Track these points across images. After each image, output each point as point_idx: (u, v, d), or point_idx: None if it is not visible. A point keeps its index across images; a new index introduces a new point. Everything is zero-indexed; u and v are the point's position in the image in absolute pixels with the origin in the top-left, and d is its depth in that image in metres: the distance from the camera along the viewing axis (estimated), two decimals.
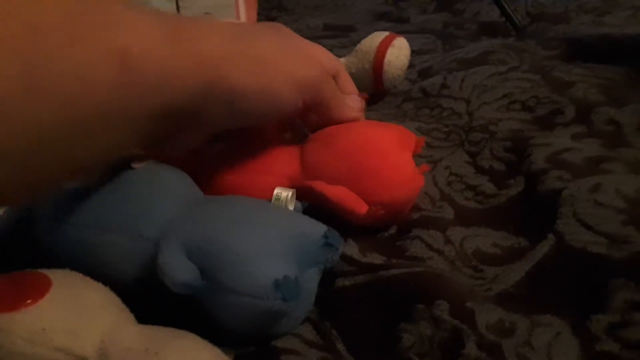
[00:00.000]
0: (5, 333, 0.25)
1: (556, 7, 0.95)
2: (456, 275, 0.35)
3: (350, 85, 0.45)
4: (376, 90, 0.63)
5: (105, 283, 0.30)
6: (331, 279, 0.35)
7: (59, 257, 0.32)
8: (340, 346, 0.32)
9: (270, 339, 0.32)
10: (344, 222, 0.38)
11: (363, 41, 0.62)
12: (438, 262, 0.36)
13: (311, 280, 0.33)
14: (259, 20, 1.02)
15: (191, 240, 0.31)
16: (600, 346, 0.29)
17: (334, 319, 0.33)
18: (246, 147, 0.41)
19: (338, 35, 0.95)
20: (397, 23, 1.04)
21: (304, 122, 0.45)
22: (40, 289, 0.27)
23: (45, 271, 0.28)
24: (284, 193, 0.38)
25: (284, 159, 0.41)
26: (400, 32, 0.63)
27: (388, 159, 0.39)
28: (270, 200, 0.37)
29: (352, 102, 0.44)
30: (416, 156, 0.41)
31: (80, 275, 0.30)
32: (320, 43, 0.68)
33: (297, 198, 0.39)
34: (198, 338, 0.27)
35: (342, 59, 0.64)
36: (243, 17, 0.90)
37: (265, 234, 0.32)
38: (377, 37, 0.61)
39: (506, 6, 0.87)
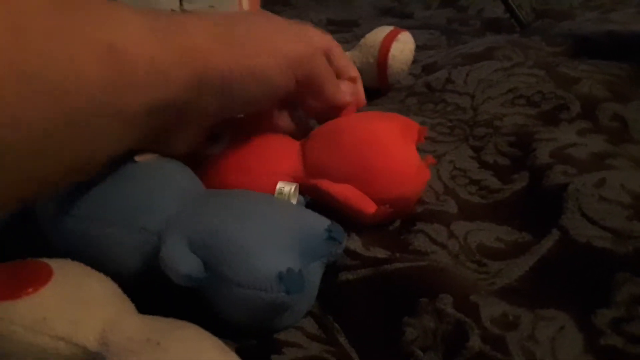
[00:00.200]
0: (6, 321, 0.25)
1: (561, 4, 0.94)
2: (460, 269, 0.35)
3: (344, 59, 0.45)
4: (380, 85, 0.62)
5: (107, 275, 0.30)
6: (334, 273, 0.35)
7: (61, 249, 0.32)
8: (342, 340, 0.32)
9: (272, 332, 0.31)
10: (347, 216, 0.38)
11: (367, 35, 0.62)
12: (442, 256, 0.36)
13: (314, 273, 0.32)
14: None
15: (194, 233, 0.31)
16: (604, 340, 0.29)
17: (337, 313, 0.33)
18: (247, 146, 0.41)
19: (342, 30, 0.95)
20: (400, 18, 1.04)
21: (303, 107, 0.45)
22: (42, 277, 0.27)
23: (47, 260, 0.28)
24: (286, 187, 0.38)
25: (285, 158, 0.41)
26: (404, 28, 0.62)
27: (393, 154, 0.39)
28: (273, 195, 0.37)
29: (345, 87, 0.43)
30: (419, 150, 0.41)
31: (82, 264, 0.29)
32: None
33: (300, 193, 0.39)
34: (200, 329, 0.27)
35: (347, 54, 0.64)
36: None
37: (269, 227, 0.32)
38: (381, 32, 0.61)
39: (511, 2, 0.86)
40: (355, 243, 0.37)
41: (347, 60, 0.45)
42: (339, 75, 0.44)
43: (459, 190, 0.44)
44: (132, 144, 0.32)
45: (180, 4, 0.84)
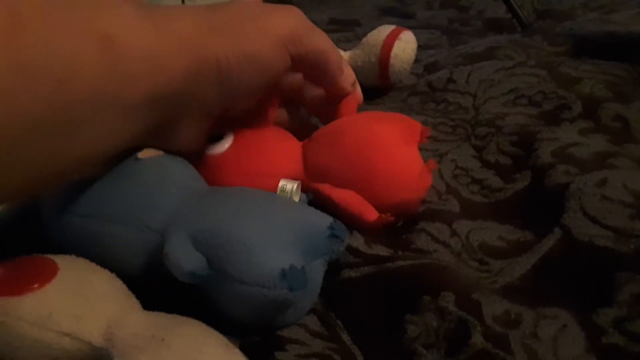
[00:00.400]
0: (12, 317, 0.25)
1: (563, 4, 0.95)
2: (462, 267, 0.35)
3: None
4: (382, 84, 0.62)
5: (111, 272, 0.30)
6: (337, 270, 0.35)
7: (64, 247, 0.32)
8: (345, 337, 0.32)
9: (275, 329, 0.32)
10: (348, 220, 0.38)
11: (369, 34, 0.62)
12: (444, 255, 0.36)
13: (317, 271, 0.33)
14: None
15: (197, 231, 0.31)
16: (606, 339, 0.29)
17: (339, 310, 0.33)
18: (250, 147, 0.40)
19: (343, 29, 0.95)
20: (402, 18, 1.04)
21: (304, 101, 0.45)
22: (47, 273, 0.27)
23: (52, 256, 0.29)
24: (289, 185, 0.38)
25: (287, 160, 0.41)
26: (406, 27, 0.62)
27: (395, 158, 0.39)
28: (275, 192, 0.37)
29: (348, 72, 0.43)
30: (421, 149, 0.41)
31: (87, 261, 0.30)
32: None
33: (302, 190, 0.39)
34: (204, 325, 0.27)
35: (348, 52, 0.64)
36: None
37: (271, 224, 0.32)
38: (383, 31, 0.61)
39: (513, 2, 0.86)
40: (357, 241, 0.37)
41: (340, 55, 0.44)
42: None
43: (461, 189, 0.44)
44: (134, 136, 0.32)
45: (183, 3, 0.84)
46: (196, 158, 0.39)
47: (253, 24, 0.36)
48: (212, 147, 0.40)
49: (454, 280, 0.33)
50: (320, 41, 0.39)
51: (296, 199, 0.38)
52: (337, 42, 0.73)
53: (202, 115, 0.36)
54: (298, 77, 0.41)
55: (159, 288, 0.31)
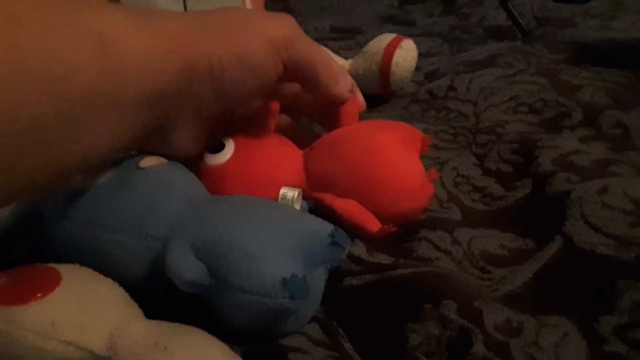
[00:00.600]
0: (15, 326, 0.25)
1: (563, 12, 0.95)
2: (463, 275, 0.35)
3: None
4: (383, 92, 0.63)
5: (113, 281, 0.30)
6: (339, 279, 0.35)
7: (67, 256, 0.32)
8: (347, 345, 0.32)
9: (277, 337, 0.32)
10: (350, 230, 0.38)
11: (370, 43, 0.63)
12: (445, 263, 0.36)
13: (318, 279, 0.33)
14: None
15: (199, 239, 0.31)
16: (608, 347, 0.29)
17: (341, 318, 0.33)
18: (251, 156, 0.40)
19: (345, 37, 0.95)
20: (403, 26, 1.05)
21: (303, 109, 0.45)
22: (50, 282, 0.27)
23: (55, 265, 0.29)
24: (290, 192, 0.38)
25: (289, 169, 0.41)
26: (407, 35, 0.63)
27: (397, 168, 0.39)
28: (276, 200, 0.37)
29: (343, 79, 0.42)
30: (423, 156, 0.41)
31: (90, 270, 0.30)
32: (326, 45, 0.69)
33: (303, 198, 0.39)
34: (206, 334, 0.27)
35: (349, 61, 0.65)
36: None
37: (273, 232, 0.32)
38: (384, 39, 0.61)
39: (513, 10, 0.87)
40: (359, 249, 0.37)
41: (338, 64, 0.44)
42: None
43: (463, 197, 0.44)
44: (131, 138, 0.32)
45: (185, 10, 0.84)
46: (197, 168, 0.39)
47: (246, 28, 0.36)
48: (214, 157, 0.40)
49: (455, 288, 0.33)
50: (311, 49, 0.39)
51: (297, 206, 0.38)
52: (339, 51, 0.73)
53: (197, 118, 0.36)
54: (295, 86, 0.41)
55: (161, 296, 0.31)
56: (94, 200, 0.33)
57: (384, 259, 0.37)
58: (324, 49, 0.59)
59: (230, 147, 0.40)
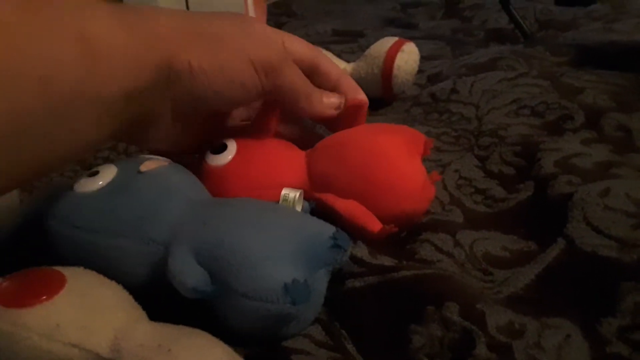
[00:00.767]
0: (20, 328, 0.25)
1: (565, 15, 0.95)
2: (466, 277, 0.35)
3: (333, 70, 0.44)
4: (385, 95, 0.63)
5: None
6: (341, 280, 0.35)
7: (70, 260, 0.32)
8: (350, 347, 0.32)
9: (280, 339, 0.32)
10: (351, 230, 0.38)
11: (372, 46, 0.63)
12: (448, 265, 0.36)
13: (320, 281, 0.33)
14: (267, 25, 1.03)
15: (200, 244, 0.31)
16: (610, 349, 0.29)
17: (344, 320, 0.33)
18: (253, 157, 0.41)
19: (347, 40, 0.95)
20: (405, 29, 1.05)
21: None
22: (55, 285, 0.27)
23: (60, 268, 0.29)
24: (291, 194, 0.38)
25: (291, 170, 0.41)
26: (409, 38, 0.63)
27: (399, 170, 0.39)
28: (277, 202, 0.37)
29: (327, 98, 0.42)
30: (425, 159, 0.41)
31: (94, 272, 0.30)
32: (328, 48, 0.69)
33: (304, 199, 0.39)
34: (210, 336, 0.27)
35: (351, 64, 0.65)
36: None
37: (274, 236, 0.32)
38: (386, 42, 0.61)
39: (515, 13, 0.87)
40: (361, 250, 0.37)
41: (338, 69, 0.44)
42: (334, 88, 0.44)
43: (465, 199, 0.44)
44: (112, 132, 0.33)
45: (187, 9, 0.84)
46: (199, 169, 0.39)
47: (230, 43, 0.36)
48: (215, 158, 0.40)
49: (458, 290, 0.33)
50: (294, 79, 0.39)
51: (298, 208, 0.38)
52: (341, 54, 0.73)
53: (176, 115, 0.37)
54: None
55: (164, 299, 0.31)
56: (95, 204, 0.33)
57: (386, 260, 0.37)
58: (325, 52, 0.59)
59: (232, 148, 0.40)
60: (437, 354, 0.30)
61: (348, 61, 0.66)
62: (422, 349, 0.30)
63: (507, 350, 0.29)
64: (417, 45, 0.62)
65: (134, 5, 0.34)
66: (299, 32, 1.03)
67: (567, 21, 0.92)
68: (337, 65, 0.44)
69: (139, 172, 0.35)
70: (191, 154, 0.43)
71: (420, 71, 0.65)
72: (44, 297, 0.26)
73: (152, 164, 0.35)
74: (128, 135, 0.37)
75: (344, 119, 0.44)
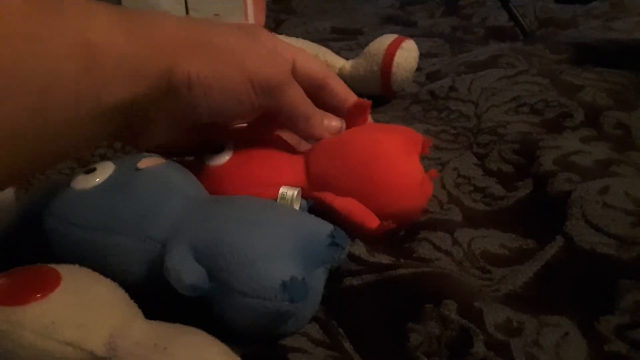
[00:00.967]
0: (15, 326, 0.25)
1: (565, 13, 0.95)
2: (464, 275, 0.35)
3: (341, 92, 0.43)
4: (384, 93, 0.63)
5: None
6: (339, 278, 0.35)
7: (67, 257, 0.32)
8: (347, 345, 0.32)
9: (277, 337, 0.32)
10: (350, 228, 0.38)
11: (371, 43, 0.63)
12: (446, 263, 0.36)
13: (318, 279, 0.33)
14: (267, 22, 1.03)
15: (198, 241, 0.31)
16: (608, 347, 0.29)
17: (342, 318, 0.33)
18: (251, 157, 0.41)
19: (346, 38, 0.95)
20: (404, 27, 1.05)
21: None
22: (50, 283, 0.27)
23: (55, 266, 0.29)
24: (289, 192, 0.38)
25: (289, 169, 0.41)
26: (408, 36, 0.63)
27: (397, 168, 0.39)
28: (276, 200, 0.37)
29: (328, 121, 0.42)
30: (424, 157, 0.41)
31: (90, 270, 0.30)
32: (328, 46, 0.69)
33: (302, 197, 0.39)
34: (206, 334, 0.27)
35: (351, 62, 0.65)
36: (251, 19, 0.90)
37: (272, 234, 0.32)
38: (385, 40, 0.61)
39: (515, 11, 0.87)
40: (359, 249, 0.37)
41: (345, 88, 0.44)
42: (336, 108, 0.44)
43: (463, 197, 0.44)
44: (106, 137, 0.34)
45: (187, 13, 0.84)
46: (197, 169, 0.39)
47: (233, 56, 0.36)
48: (213, 158, 0.40)
49: (456, 288, 0.33)
50: (291, 99, 0.39)
51: (296, 206, 0.38)
52: (340, 51, 0.73)
53: (171, 122, 0.37)
54: None
55: (161, 297, 0.31)
56: (92, 201, 0.33)
57: (384, 258, 0.37)
58: (325, 49, 0.59)
59: (230, 148, 0.40)
60: (435, 352, 0.30)
61: (347, 59, 0.66)
62: (420, 347, 0.30)
63: (505, 348, 0.29)
64: (416, 43, 0.62)
65: (137, 11, 0.34)
66: (298, 30, 1.03)
67: (566, 19, 0.92)
68: (345, 85, 0.44)
69: (137, 169, 0.34)
70: (188, 155, 0.43)
71: (419, 69, 0.65)
72: (39, 295, 0.26)
73: (149, 161, 0.35)
74: (123, 138, 0.38)
75: (346, 120, 0.44)
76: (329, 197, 0.38)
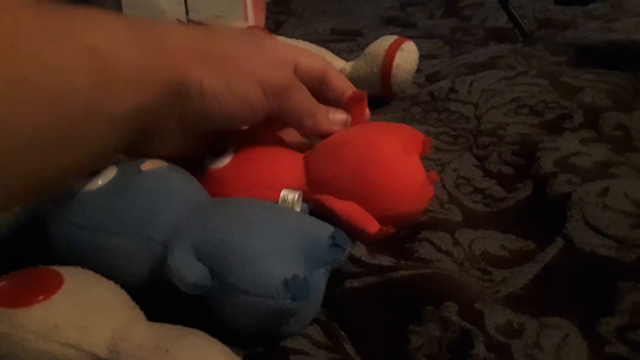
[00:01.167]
0: (18, 328, 0.25)
1: (564, 14, 0.95)
2: (465, 277, 0.35)
3: (340, 82, 0.44)
4: (384, 94, 0.63)
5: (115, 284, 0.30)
6: (340, 280, 0.35)
7: (69, 259, 0.32)
8: (348, 347, 0.32)
9: (278, 339, 0.32)
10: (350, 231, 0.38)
11: (371, 45, 0.63)
12: (446, 264, 0.36)
13: (319, 280, 0.33)
14: (266, 24, 1.03)
15: (200, 242, 0.31)
16: (609, 348, 0.29)
17: (343, 320, 0.33)
18: (251, 160, 0.41)
19: (346, 39, 0.95)
20: (404, 28, 1.05)
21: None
22: (53, 285, 0.27)
23: (57, 268, 0.29)
24: (290, 195, 0.38)
25: (289, 172, 0.41)
26: (408, 37, 0.63)
27: (397, 170, 0.39)
28: (277, 202, 0.37)
29: (333, 115, 0.43)
30: (424, 158, 0.41)
31: (92, 272, 0.30)
32: (327, 47, 0.69)
33: (303, 200, 0.39)
34: (208, 336, 0.27)
35: (350, 63, 0.65)
36: (251, 20, 0.90)
37: (273, 235, 0.32)
38: (385, 41, 0.61)
39: (514, 12, 0.87)
40: (360, 250, 0.37)
41: (345, 81, 0.45)
42: (338, 101, 0.44)
43: (464, 198, 0.44)
44: (118, 146, 0.33)
45: (187, 14, 0.84)
46: (198, 171, 0.39)
47: (241, 62, 0.36)
48: (214, 161, 0.40)
49: (456, 290, 0.33)
50: (297, 99, 0.39)
51: (297, 208, 0.38)
52: (340, 53, 0.73)
53: (182, 130, 0.37)
54: None
55: (162, 299, 0.31)
56: (95, 203, 0.33)
57: (385, 260, 0.37)
58: (324, 51, 0.59)
59: (230, 151, 0.40)
60: (435, 354, 0.30)
61: (347, 60, 0.66)
62: (421, 349, 0.30)
63: (506, 350, 0.29)
64: (416, 44, 0.62)
65: (146, 20, 0.34)
66: (297, 31, 1.03)
67: (566, 20, 0.92)
68: (345, 79, 0.45)
69: (140, 171, 0.35)
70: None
71: (418, 70, 0.65)
72: (42, 297, 0.26)
73: (151, 164, 0.36)
74: (135, 149, 0.37)
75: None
76: (329, 200, 0.38)
